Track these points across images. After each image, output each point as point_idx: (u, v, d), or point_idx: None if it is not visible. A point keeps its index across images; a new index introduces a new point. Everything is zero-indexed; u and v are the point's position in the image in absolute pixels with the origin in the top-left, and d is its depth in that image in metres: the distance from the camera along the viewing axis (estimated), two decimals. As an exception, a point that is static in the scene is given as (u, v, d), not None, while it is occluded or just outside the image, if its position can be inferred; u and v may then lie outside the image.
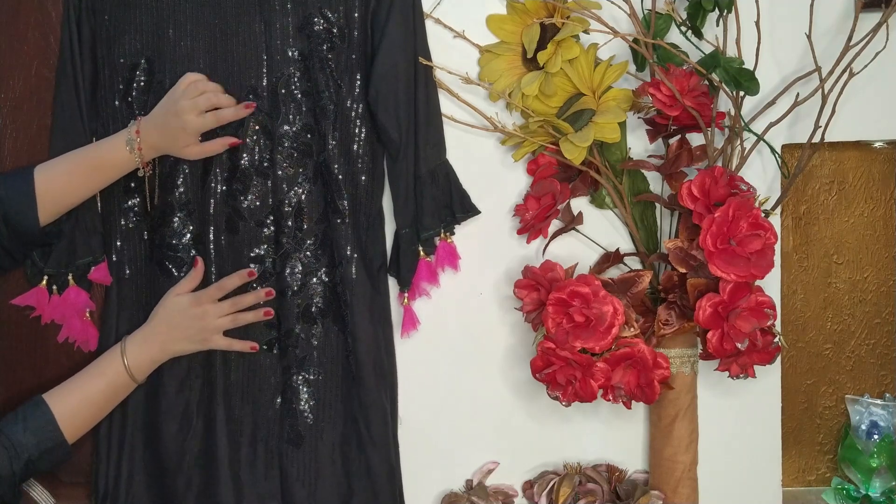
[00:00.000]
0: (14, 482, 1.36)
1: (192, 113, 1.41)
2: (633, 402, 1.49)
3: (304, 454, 1.53)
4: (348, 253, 1.53)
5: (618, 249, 1.59)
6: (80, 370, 1.45)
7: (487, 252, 1.60)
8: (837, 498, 1.69)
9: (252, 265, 1.51)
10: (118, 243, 1.53)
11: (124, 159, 1.43)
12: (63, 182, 1.42)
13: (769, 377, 1.62)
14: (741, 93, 1.51)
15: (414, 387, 1.60)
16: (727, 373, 1.48)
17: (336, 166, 1.52)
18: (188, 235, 1.51)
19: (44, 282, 1.51)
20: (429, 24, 1.55)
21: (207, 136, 1.46)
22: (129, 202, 1.52)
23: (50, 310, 1.51)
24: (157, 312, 1.47)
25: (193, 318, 1.46)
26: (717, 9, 1.49)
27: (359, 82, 1.53)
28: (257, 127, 1.50)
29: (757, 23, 1.51)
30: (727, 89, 1.49)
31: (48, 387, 1.55)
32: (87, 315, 1.54)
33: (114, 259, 1.53)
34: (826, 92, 1.52)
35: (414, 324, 1.58)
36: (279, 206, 1.51)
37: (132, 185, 1.51)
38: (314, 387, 1.53)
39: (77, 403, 1.41)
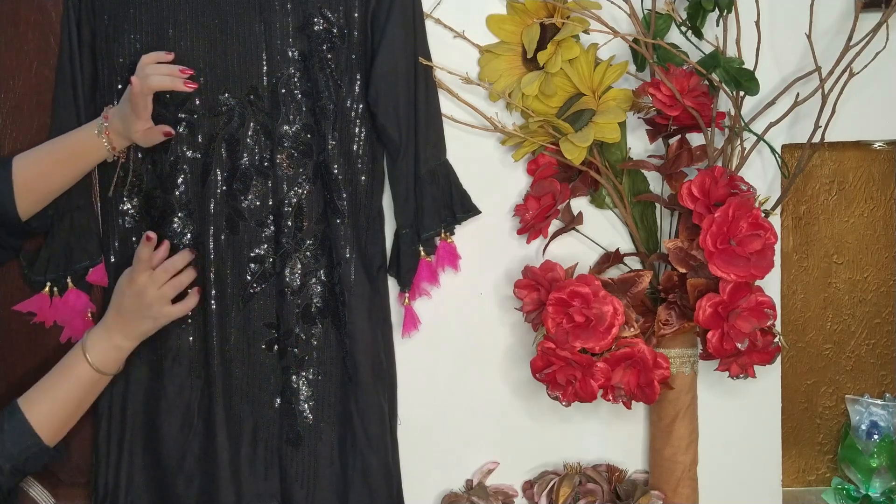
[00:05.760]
0: (2, 491, 1.35)
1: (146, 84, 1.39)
2: (633, 402, 1.48)
3: (303, 454, 1.53)
4: (347, 253, 1.53)
5: (618, 249, 1.59)
6: (49, 371, 1.41)
7: (487, 252, 1.60)
8: (837, 498, 1.69)
9: (252, 265, 1.51)
10: (116, 244, 1.53)
11: (94, 143, 1.42)
12: (39, 169, 1.41)
13: (769, 377, 1.62)
14: (741, 93, 1.50)
15: (414, 387, 1.60)
16: (727, 373, 1.48)
17: (336, 166, 1.52)
18: (188, 235, 1.51)
19: (46, 288, 1.51)
20: (429, 24, 1.55)
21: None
22: (128, 203, 1.52)
23: (52, 313, 1.52)
24: (111, 302, 1.45)
25: (135, 296, 1.42)
26: (717, 9, 1.49)
27: (359, 82, 1.53)
28: (257, 127, 1.50)
29: (757, 23, 1.51)
30: (727, 89, 1.49)
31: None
32: (89, 315, 1.54)
33: (112, 260, 1.53)
34: (826, 92, 1.52)
35: (415, 324, 1.58)
36: (279, 206, 1.51)
37: (130, 189, 1.51)
38: (313, 387, 1.53)
39: (50, 407, 1.38)
